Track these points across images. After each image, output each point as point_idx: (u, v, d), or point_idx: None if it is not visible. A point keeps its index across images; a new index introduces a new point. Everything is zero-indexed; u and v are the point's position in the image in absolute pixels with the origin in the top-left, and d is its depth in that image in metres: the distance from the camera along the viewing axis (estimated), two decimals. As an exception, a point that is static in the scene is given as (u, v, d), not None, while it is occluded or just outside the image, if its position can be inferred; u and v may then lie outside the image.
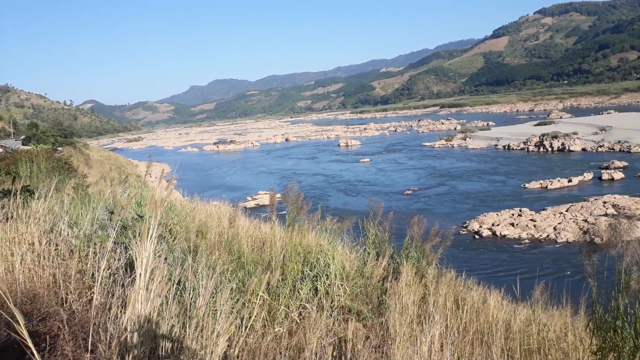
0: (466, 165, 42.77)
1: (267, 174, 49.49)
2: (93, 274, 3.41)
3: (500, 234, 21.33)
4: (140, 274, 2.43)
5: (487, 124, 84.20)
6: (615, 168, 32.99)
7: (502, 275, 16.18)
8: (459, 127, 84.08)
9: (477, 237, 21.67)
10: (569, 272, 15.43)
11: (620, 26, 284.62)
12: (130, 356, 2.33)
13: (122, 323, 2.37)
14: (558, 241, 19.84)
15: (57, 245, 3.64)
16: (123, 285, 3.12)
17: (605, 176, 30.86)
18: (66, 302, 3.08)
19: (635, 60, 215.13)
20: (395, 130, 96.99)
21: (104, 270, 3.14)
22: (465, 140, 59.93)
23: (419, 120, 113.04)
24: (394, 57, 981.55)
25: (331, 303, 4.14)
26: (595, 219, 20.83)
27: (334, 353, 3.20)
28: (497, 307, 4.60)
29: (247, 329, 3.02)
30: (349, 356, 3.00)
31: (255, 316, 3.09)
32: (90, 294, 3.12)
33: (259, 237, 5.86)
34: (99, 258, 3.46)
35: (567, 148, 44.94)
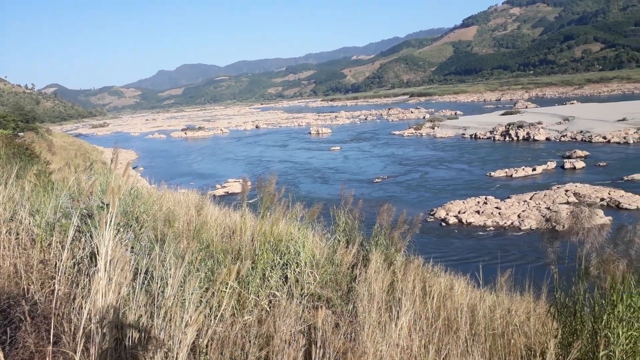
0: (434, 153, 43.37)
1: (237, 162, 49.08)
2: (56, 264, 3.32)
3: (466, 222, 21.77)
4: (102, 263, 2.38)
5: (455, 113, 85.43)
6: (577, 157, 34.02)
7: (468, 262, 16.54)
8: (427, 116, 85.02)
9: (443, 224, 22.06)
10: (532, 259, 15.89)
11: (584, 18, 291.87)
12: (95, 347, 2.28)
13: (87, 314, 2.31)
14: (522, 228, 20.38)
15: (17, 234, 3.52)
16: (88, 275, 3.05)
17: (567, 165, 31.79)
18: (28, 293, 2.99)
19: (598, 52, 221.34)
20: (365, 119, 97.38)
21: (67, 259, 3.06)
22: (433, 129, 60.68)
23: (389, 109, 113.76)
24: (365, 45, 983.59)
25: (301, 291, 4.16)
26: (558, 207, 21.48)
27: (304, 340, 3.21)
28: (463, 293, 4.70)
29: (217, 318, 3.00)
30: (318, 343, 3.01)
31: (225, 305, 3.07)
32: (53, 284, 3.04)
33: (228, 225, 5.82)
34: (61, 247, 3.37)
35: (532, 137, 46.05)
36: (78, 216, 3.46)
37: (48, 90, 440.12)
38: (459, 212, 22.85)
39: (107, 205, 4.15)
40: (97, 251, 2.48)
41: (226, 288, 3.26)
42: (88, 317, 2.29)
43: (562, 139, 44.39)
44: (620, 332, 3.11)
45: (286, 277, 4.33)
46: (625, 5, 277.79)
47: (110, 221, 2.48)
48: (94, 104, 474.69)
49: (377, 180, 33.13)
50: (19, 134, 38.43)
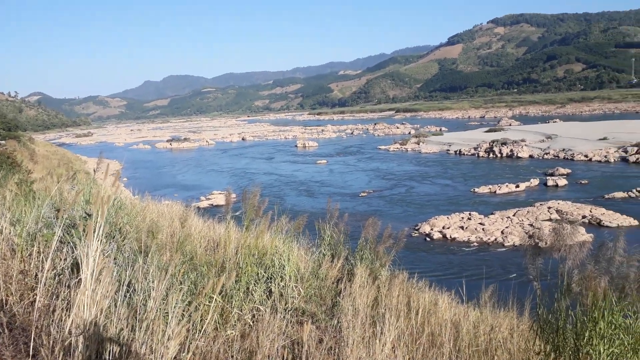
0: (419, 169, 43.68)
1: (222, 174, 48.86)
2: (36, 275, 3.26)
3: (451, 237, 21.89)
4: (86, 275, 2.34)
5: (440, 129, 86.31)
6: (559, 175, 34.51)
7: (452, 277, 16.59)
8: (413, 132, 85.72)
9: (428, 239, 22.15)
10: (515, 275, 16.00)
11: (567, 39, 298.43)
12: (75, 361, 2.24)
13: (67, 326, 2.27)
14: (505, 244, 20.54)
15: (-3, 244, 3.45)
16: (69, 286, 3.00)
17: (550, 182, 32.22)
18: (6, 305, 2.93)
19: (580, 72, 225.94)
20: (352, 133, 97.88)
21: (48, 270, 3.01)
22: (418, 144, 61.17)
23: (375, 124, 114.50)
24: (352, 60, 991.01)
25: (285, 305, 4.13)
26: (540, 224, 21.71)
27: (287, 356, 3.18)
28: (447, 308, 4.71)
29: (199, 333, 2.97)
30: (303, 359, 2.99)
31: (208, 319, 3.04)
32: (33, 296, 2.97)
33: (212, 237, 5.77)
34: (43, 258, 3.31)
35: (515, 154, 46.65)
36: (61, 226, 3.40)
37: (32, 98, 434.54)
38: (443, 228, 22.97)
39: (90, 215, 4.09)
40: (80, 262, 2.44)
41: (209, 302, 3.23)
42: (68, 329, 2.24)
43: (545, 156, 45.05)
44: (602, 349, 3.13)
45: (270, 291, 4.30)
46: (606, 27, 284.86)
47: (98, 231, 2.45)
48: (78, 113, 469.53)
49: (362, 194, 33.21)
50: (1, 142, 37.85)
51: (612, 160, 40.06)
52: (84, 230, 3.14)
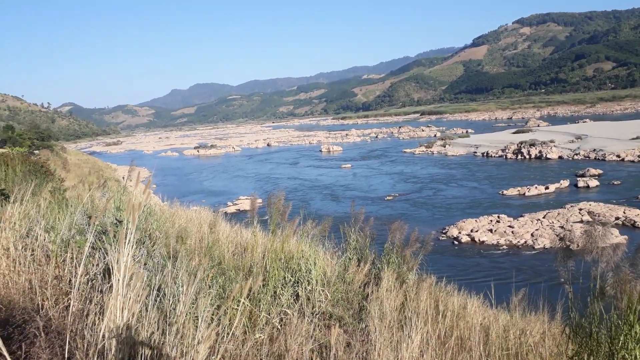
0: (445, 171, 43.22)
1: (248, 179, 49.28)
2: (70, 280, 3.35)
3: (479, 240, 21.57)
4: (118, 280, 2.39)
5: (467, 132, 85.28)
6: (590, 176, 33.68)
7: (481, 281, 16.34)
8: (438, 134, 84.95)
9: (456, 242, 21.87)
10: (545, 278, 15.66)
11: (595, 37, 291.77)
12: (108, 364, 2.29)
13: (100, 330, 2.33)
14: (535, 247, 20.14)
15: (33, 250, 3.56)
16: (101, 291, 3.07)
17: (581, 184, 31.47)
18: (42, 309, 3.02)
19: (610, 71, 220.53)
20: (376, 137, 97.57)
21: (81, 276, 3.09)
22: (444, 147, 60.56)
23: (400, 127, 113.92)
24: (375, 64, 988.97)
25: (312, 309, 4.14)
26: (571, 226, 21.22)
27: (315, 359, 3.19)
28: (477, 312, 4.64)
29: (228, 336, 3.00)
30: (330, 362, 3.00)
31: (236, 323, 3.07)
32: (67, 301, 3.06)
33: (240, 242, 5.83)
34: (76, 264, 3.40)
35: (544, 156, 45.74)
36: (93, 233, 3.49)
37: (63, 108, 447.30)
38: (471, 231, 22.66)
39: (121, 221, 4.19)
40: (112, 267, 2.50)
41: (238, 305, 3.26)
42: (102, 333, 2.30)
43: (575, 157, 44.03)
44: (638, 354, 3.05)
45: (297, 295, 4.32)
46: (636, 24, 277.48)
47: (129, 237, 2.50)
48: (108, 122, 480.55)
49: (388, 197, 33.03)
50: (35, 151, 39.03)
51: (646, 160, 38.91)
52: (114, 237, 3.22)
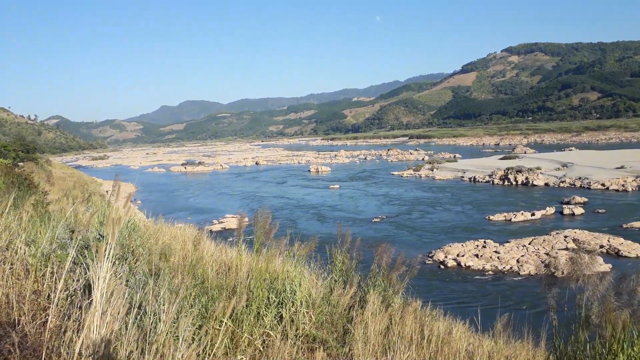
0: (433, 195, 43.43)
1: (236, 197, 49.04)
2: (49, 295, 3.27)
3: (465, 265, 21.58)
4: (98, 295, 2.34)
5: (454, 156, 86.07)
6: (576, 203, 34.04)
7: (466, 306, 16.30)
8: (426, 158, 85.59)
9: (442, 267, 21.86)
10: (530, 304, 15.67)
11: (581, 67, 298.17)
12: (84, 383, 2.22)
13: (77, 348, 2.26)
14: (521, 273, 20.19)
15: (12, 264, 3.48)
16: (81, 307, 3.00)
17: (566, 211, 31.77)
18: (19, 324, 2.93)
19: (595, 101, 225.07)
20: (365, 159, 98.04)
21: (61, 291, 3.02)
22: (432, 170, 60.96)
23: (388, 150, 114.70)
24: (365, 87, 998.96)
25: (296, 331, 4.07)
26: (557, 253, 21.35)
27: (298, 383, 3.13)
28: (462, 338, 4.61)
29: (209, 357, 2.93)
30: (312, 386, 2.93)
31: (218, 343, 3.01)
32: (45, 316, 2.98)
33: (224, 261, 5.76)
34: (56, 278, 3.32)
35: (530, 182, 46.21)
36: (75, 247, 3.42)
37: (51, 121, 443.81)
38: (457, 255, 22.68)
39: (104, 236, 4.12)
40: (92, 283, 2.44)
41: (220, 326, 3.20)
42: (79, 351, 2.24)
43: (561, 184, 44.55)
44: (622, 383, 3.04)
45: (281, 317, 4.26)
46: (621, 56, 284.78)
47: (109, 252, 2.46)
48: (95, 136, 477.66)
49: (375, 219, 33.04)
50: (19, 163, 38.51)
51: (630, 189, 39.44)
52: (97, 252, 3.16)
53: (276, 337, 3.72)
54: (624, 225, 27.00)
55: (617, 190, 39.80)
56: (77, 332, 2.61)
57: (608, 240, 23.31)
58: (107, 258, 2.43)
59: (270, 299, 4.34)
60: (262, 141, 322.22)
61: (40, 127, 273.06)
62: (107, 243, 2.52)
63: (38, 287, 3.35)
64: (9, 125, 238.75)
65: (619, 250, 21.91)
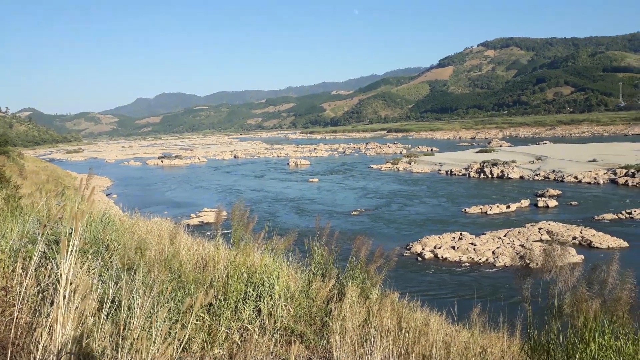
0: (410, 188, 43.78)
1: (213, 191, 48.66)
2: (19, 291, 3.18)
3: (442, 257, 21.84)
4: (61, 290, 2.28)
5: (432, 150, 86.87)
6: (550, 196, 34.71)
7: (444, 297, 16.51)
8: (404, 152, 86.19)
9: (419, 259, 22.09)
10: (506, 296, 15.95)
11: (555, 62, 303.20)
12: (55, 381, 2.17)
13: (47, 344, 2.20)
14: (496, 265, 20.53)
15: (-21, 259, 3.37)
16: (52, 303, 2.92)
17: (540, 203, 32.39)
18: (-14, 322, 2.84)
19: (569, 95, 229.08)
20: (344, 152, 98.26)
21: (31, 287, 2.94)
22: (410, 164, 61.44)
23: (367, 143, 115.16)
24: (344, 81, 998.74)
25: (274, 324, 4.06)
26: (531, 244, 21.75)
27: (275, 376, 3.11)
28: (439, 329, 4.66)
29: (186, 352, 2.90)
30: (290, 379, 2.92)
31: (194, 338, 2.97)
32: (15, 313, 2.90)
33: (202, 255, 5.70)
34: (25, 274, 3.24)
35: (506, 175, 46.94)
36: (44, 242, 3.34)
37: (23, 114, 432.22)
38: (434, 247, 22.94)
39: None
40: (59, 278, 2.38)
41: (197, 320, 3.16)
42: (48, 347, 2.18)
43: (535, 177, 45.36)
44: (594, 371, 3.10)
45: (259, 310, 4.24)
46: (594, 51, 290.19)
47: (73, 247, 2.39)
48: (69, 129, 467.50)
49: (354, 212, 33.17)
50: (-10, 157, 37.48)
51: (602, 182, 40.41)
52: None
53: (254, 330, 3.69)
54: (596, 217, 27.66)
55: (589, 183, 40.72)
56: (49, 329, 2.54)
57: (580, 232, 23.85)
58: (72, 252, 2.37)
59: (248, 293, 4.31)
60: (241, 134, 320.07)
61: (12, 120, 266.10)
62: (69, 237, 2.45)
63: (7, 283, 3.26)
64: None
65: (591, 242, 22.44)
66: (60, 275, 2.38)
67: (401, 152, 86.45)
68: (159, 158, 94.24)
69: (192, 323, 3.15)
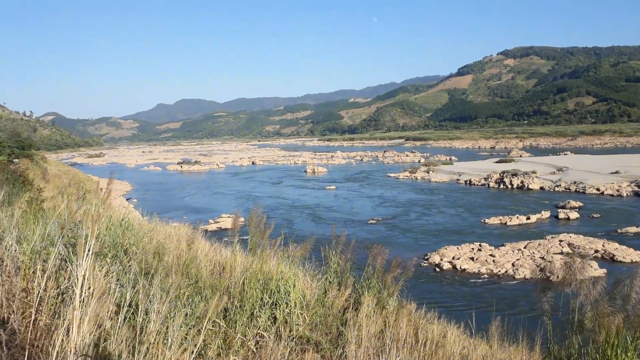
0: (429, 197, 43.47)
1: (232, 197, 48.95)
2: (39, 293, 3.22)
3: (461, 268, 21.59)
4: (77, 293, 2.29)
5: (450, 159, 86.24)
6: (571, 208, 34.14)
7: (461, 309, 16.30)
8: (422, 160, 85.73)
9: (437, 269, 21.86)
10: (525, 309, 15.69)
11: (577, 72, 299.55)
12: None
13: (64, 347, 2.22)
14: (516, 277, 20.21)
15: (2, 261, 3.43)
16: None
17: (561, 215, 31.85)
18: (7, 322, 2.88)
19: (590, 105, 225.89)
20: (361, 160, 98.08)
21: (51, 289, 2.97)
22: (428, 173, 61.05)
23: (385, 151, 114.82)
24: (362, 88, 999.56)
25: (289, 332, 4.04)
26: (552, 257, 21.38)
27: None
28: (456, 341, 4.59)
29: (201, 357, 2.90)
30: (305, 389, 2.90)
31: (210, 344, 2.97)
32: (35, 314, 2.93)
33: (219, 261, 5.72)
34: (47, 276, 3.28)
35: (526, 186, 46.33)
36: (63, 244, 3.38)
37: (46, 118, 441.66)
38: (453, 258, 22.70)
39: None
40: (76, 281, 2.40)
41: (213, 326, 3.16)
42: (65, 350, 2.19)
43: (556, 189, 44.68)
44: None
45: (275, 317, 4.22)
46: (616, 61, 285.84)
47: (89, 249, 2.41)
48: (91, 133, 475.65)
49: (371, 221, 33.03)
50: (14, 160, 38.30)
51: (625, 194, 39.61)
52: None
53: (269, 338, 3.68)
54: (619, 230, 27.09)
55: (612, 195, 39.95)
56: (66, 331, 2.57)
57: (603, 245, 23.37)
58: (88, 255, 2.39)
59: (264, 300, 4.31)
60: (259, 141, 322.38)
61: (36, 124, 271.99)
62: (86, 240, 2.47)
63: (28, 284, 3.30)
64: (4, 121, 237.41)
65: (613, 255, 21.97)
66: (77, 277, 2.40)
67: (419, 161, 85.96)
68: (178, 163, 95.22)
69: (208, 329, 3.16)
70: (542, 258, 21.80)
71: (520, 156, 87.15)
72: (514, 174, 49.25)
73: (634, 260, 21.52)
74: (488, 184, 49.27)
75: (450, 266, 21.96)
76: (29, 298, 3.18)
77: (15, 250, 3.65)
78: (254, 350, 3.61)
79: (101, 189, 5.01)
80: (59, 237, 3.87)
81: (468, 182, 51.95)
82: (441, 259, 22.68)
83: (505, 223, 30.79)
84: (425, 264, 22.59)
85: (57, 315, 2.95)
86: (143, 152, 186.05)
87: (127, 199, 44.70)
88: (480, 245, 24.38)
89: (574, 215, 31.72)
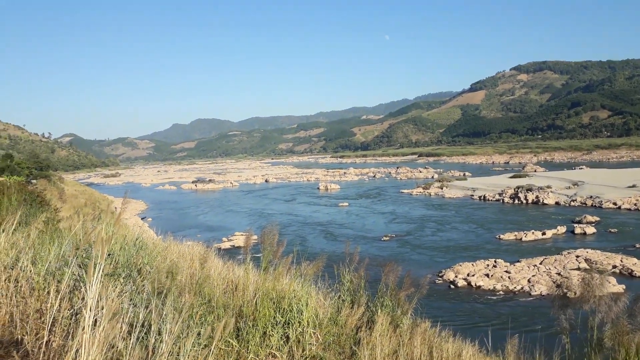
0: (443, 213, 43.15)
1: (245, 215, 49.09)
2: (53, 314, 3.25)
3: (476, 285, 21.31)
4: (87, 315, 2.31)
5: (464, 174, 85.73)
6: (587, 222, 33.63)
7: (477, 327, 16.04)
8: (436, 176, 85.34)
9: (452, 286, 21.60)
10: (542, 326, 15.39)
11: (591, 86, 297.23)
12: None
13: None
14: (532, 294, 19.88)
15: (17, 281, 3.47)
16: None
17: (577, 230, 31.38)
18: (21, 344, 2.91)
19: (605, 119, 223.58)
20: (374, 176, 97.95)
21: (64, 310, 2.99)
22: (442, 189, 60.69)
23: (398, 168, 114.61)
24: (374, 105, 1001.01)
25: (302, 352, 4.01)
26: (568, 273, 21.02)
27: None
28: (472, 360, 4.51)
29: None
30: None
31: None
32: (48, 335, 2.95)
33: (231, 279, 5.72)
34: (60, 297, 3.31)
35: (541, 201, 45.80)
36: (77, 264, 3.41)
37: (64, 139, 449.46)
38: (468, 275, 22.42)
39: (110, 254, 4.11)
40: (88, 301, 2.42)
41: (226, 346, 3.15)
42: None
43: (572, 203, 44.10)
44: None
45: (287, 337, 4.20)
46: (631, 74, 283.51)
47: (99, 271, 2.43)
48: (107, 154, 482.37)
49: (384, 238, 32.83)
50: (32, 180, 38.93)
51: (643, 209, 38.94)
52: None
53: (282, 358, 3.66)
54: (637, 245, 26.59)
55: (629, 209, 39.30)
56: (75, 353, 2.58)
57: (621, 261, 22.94)
58: (97, 276, 2.41)
59: (277, 319, 4.29)
60: (272, 159, 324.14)
61: (54, 145, 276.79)
62: (96, 261, 2.49)
63: (42, 305, 3.33)
64: (24, 143, 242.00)
65: (632, 271, 21.54)
66: (87, 299, 2.42)
67: (432, 177, 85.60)
68: (193, 182, 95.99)
69: (220, 349, 3.15)
70: (559, 274, 21.44)
71: (535, 171, 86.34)
72: (529, 189, 48.75)
73: (654, 275, 21.07)
74: (502, 199, 48.81)
75: (465, 283, 21.69)
76: (42, 319, 3.20)
77: (31, 271, 3.69)
78: (267, 370, 3.59)
79: (115, 208, 5.06)
80: (73, 257, 3.91)
81: (482, 197, 51.52)
82: (456, 276, 22.42)
83: (521, 239, 30.40)
84: (439, 281, 22.34)
85: (70, 337, 2.97)
86: (158, 171, 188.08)
87: (142, 218, 45.04)
88: (495, 262, 24.07)
89: (590, 230, 31.23)
